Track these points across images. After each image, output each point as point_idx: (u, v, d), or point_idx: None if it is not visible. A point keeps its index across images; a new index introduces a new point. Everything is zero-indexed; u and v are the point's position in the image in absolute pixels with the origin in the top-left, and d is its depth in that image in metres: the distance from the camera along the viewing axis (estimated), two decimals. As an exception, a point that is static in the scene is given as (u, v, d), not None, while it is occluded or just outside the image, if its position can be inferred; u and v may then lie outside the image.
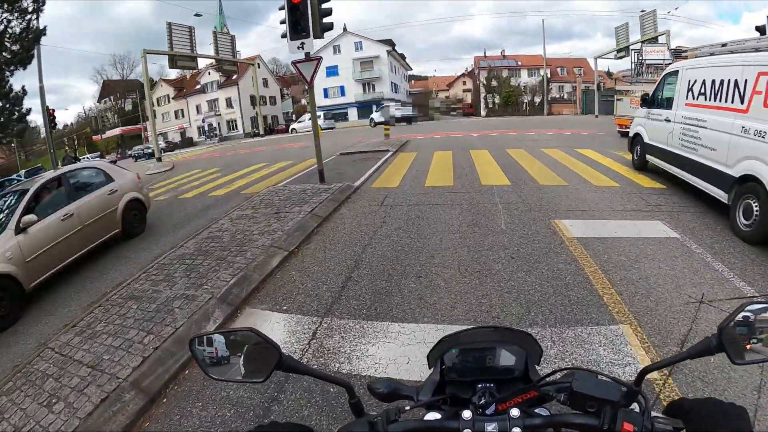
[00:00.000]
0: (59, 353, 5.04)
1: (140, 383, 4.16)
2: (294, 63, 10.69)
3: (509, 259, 5.98)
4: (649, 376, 1.19)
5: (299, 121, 56.06)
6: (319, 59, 10.61)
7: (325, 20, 10.66)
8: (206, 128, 67.81)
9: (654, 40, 37.76)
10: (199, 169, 21.62)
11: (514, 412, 1.03)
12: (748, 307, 1.05)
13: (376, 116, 48.89)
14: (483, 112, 68.99)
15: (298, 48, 10.18)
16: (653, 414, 1.02)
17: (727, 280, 5.40)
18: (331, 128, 50.00)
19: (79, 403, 4.04)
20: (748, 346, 1.06)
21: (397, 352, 4.15)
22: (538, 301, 4.87)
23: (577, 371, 1.07)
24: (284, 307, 5.30)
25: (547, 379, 1.10)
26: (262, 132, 54.91)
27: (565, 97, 69.78)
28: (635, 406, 1.04)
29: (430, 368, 1.27)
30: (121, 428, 3.67)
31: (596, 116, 41.99)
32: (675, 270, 5.59)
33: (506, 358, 1.19)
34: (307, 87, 11.02)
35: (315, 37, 10.20)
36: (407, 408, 1.10)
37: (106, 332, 5.23)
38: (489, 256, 6.11)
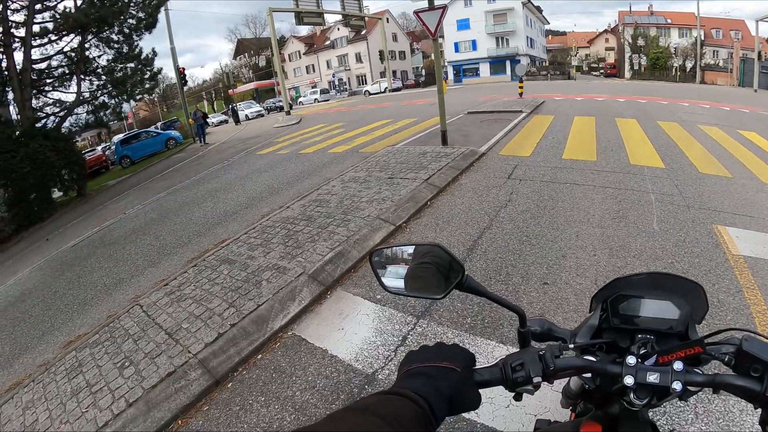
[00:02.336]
0: (146, 313, 5.19)
1: (209, 363, 4.08)
2: (416, 12, 9.76)
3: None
4: None
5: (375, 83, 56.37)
6: (444, 7, 9.58)
7: None
8: (336, 83, 68.83)
9: None
10: (324, 123, 21.51)
11: (678, 365, 0.98)
12: None
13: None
14: (627, 74, 63.21)
15: None
16: None
17: None
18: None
19: (147, 372, 4.11)
20: None
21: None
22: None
23: (747, 332, 1.04)
24: (378, 297, 4.63)
25: (711, 338, 1.06)
26: (390, 88, 54.31)
27: (720, 64, 61.87)
28: None
29: (590, 312, 1.26)
30: (180, 407, 3.66)
31: (755, 90, 37.19)
32: None
33: (671, 311, 1.13)
34: (431, 39, 10.07)
35: None
36: (571, 346, 1.10)
37: (192, 297, 5.22)
38: (635, 267, 4.89)
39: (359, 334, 4.21)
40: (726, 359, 1.04)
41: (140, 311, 5.23)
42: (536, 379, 1.03)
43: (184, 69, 28.77)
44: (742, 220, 6.25)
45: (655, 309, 1.14)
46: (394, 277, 1.17)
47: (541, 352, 1.06)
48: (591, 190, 7.16)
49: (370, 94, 53.83)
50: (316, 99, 55.77)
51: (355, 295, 4.73)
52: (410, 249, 1.18)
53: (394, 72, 62.29)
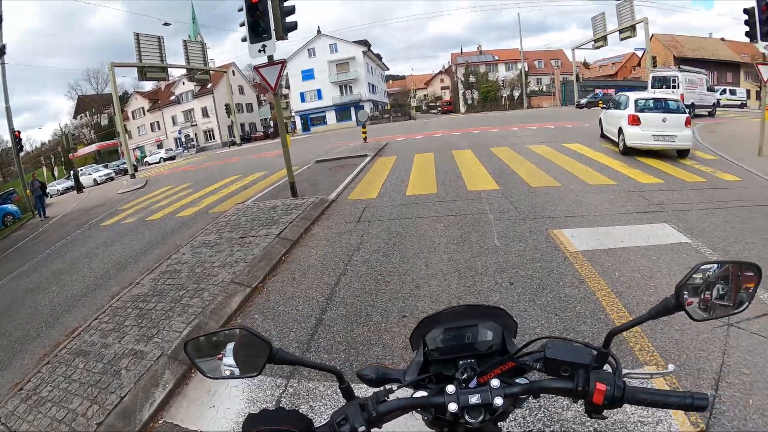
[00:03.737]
0: (5, 425, 4.62)
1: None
2: (256, 68, 9.87)
3: (508, 286, 5.13)
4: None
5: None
6: (283, 63, 9.73)
7: (288, 19, 9.75)
8: (183, 139, 66.16)
9: (631, 28, 38.62)
10: (171, 185, 20.70)
11: (495, 382, 1.09)
12: (702, 267, 1.10)
13: None
14: (462, 109, 68.07)
15: (260, 51, 9.25)
16: (625, 372, 1.12)
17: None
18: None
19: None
20: (704, 304, 1.12)
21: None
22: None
23: (550, 340, 1.15)
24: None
25: (524, 350, 1.18)
26: (239, 141, 53.87)
27: (544, 89, 69.57)
28: (607, 368, 1.12)
29: (413, 351, 1.32)
30: None
31: (578, 107, 42.52)
32: (694, 286, 4.92)
33: (483, 334, 1.24)
34: (272, 93, 10.18)
35: (277, 39, 9.30)
36: (395, 389, 1.18)
37: (51, 399, 4.70)
38: (484, 283, 5.23)
39: (232, 408, 3.95)
40: (538, 366, 1.15)
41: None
42: (361, 429, 1.07)
43: (19, 132, 25.36)
44: (575, 221, 7.07)
45: (470, 335, 1.24)
46: (212, 364, 1.18)
47: (363, 402, 1.11)
48: (435, 221, 7.54)
49: (149, 164, 51.21)
50: (162, 158, 52.89)
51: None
52: (223, 333, 1.20)
53: (242, 125, 61.85)
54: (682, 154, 12.64)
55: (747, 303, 1.14)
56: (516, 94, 65.67)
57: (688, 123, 12.60)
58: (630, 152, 12.73)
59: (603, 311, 4.46)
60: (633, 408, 3.22)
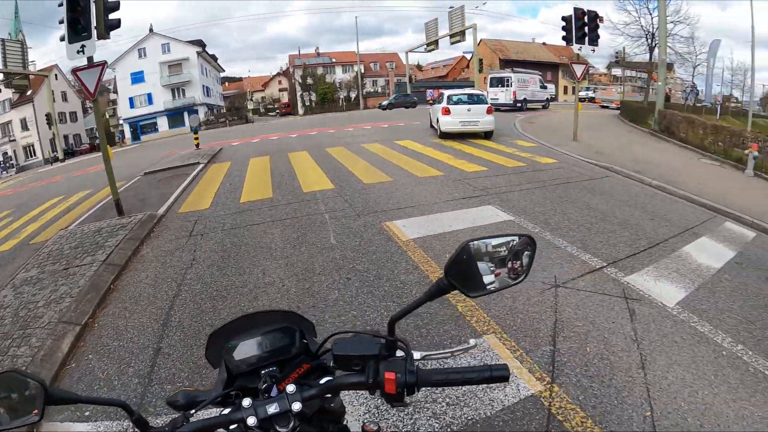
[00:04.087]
0: None
1: None
2: (74, 71, 8.60)
3: (346, 282, 5.15)
4: (534, 389, 2.65)
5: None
6: (104, 64, 8.64)
7: (112, 16, 8.72)
8: (0, 158, 56.56)
9: (461, 33, 41.75)
10: (-13, 215, 18.07)
11: (290, 388, 1.06)
12: (470, 244, 1.10)
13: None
14: (301, 111, 68.08)
15: (78, 52, 8.17)
16: (424, 354, 1.16)
17: (573, 256, 5.70)
18: None
19: None
20: (484, 279, 1.12)
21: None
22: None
23: (337, 335, 1.15)
24: (86, 413, 3.78)
25: (321, 349, 1.18)
26: (61, 156, 47.46)
27: (380, 90, 71.78)
28: (402, 355, 1.11)
29: (215, 369, 1.25)
30: None
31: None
32: (521, 257, 5.39)
33: (280, 339, 1.18)
34: (91, 99, 9.13)
35: (99, 38, 8.33)
36: (193, 412, 1.10)
37: None
38: (323, 283, 5.19)
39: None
40: (331, 365, 1.14)
41: None
42: None
43: None
44: (406, 212, 7.34)
45: (265, 343, 1.17)
46: None
47: (163, 430, 1.05)
48: (270, 226, 7.34)
49: None
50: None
51: (63, 422, 3.73)
52: None
53: (66, 137, 54.87)
54: (487, 135, 16.13)
55: (526, 273, 1.16)
56: (353, 95, 67.07)
57: (489, 111, 15.94)
58: (445, 136, 16.04)
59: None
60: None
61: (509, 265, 1.14)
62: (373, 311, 4.45)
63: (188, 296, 5.40)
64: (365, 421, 1.92)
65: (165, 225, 8.40)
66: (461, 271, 1.09)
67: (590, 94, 49.44)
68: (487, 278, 1.12)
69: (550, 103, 37.88)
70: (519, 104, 31.63)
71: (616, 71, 58.24)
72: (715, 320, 4.22)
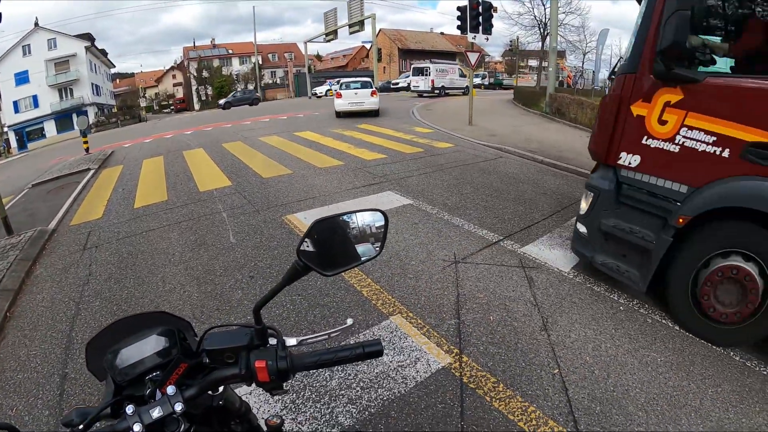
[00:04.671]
0: None
1: None
2: None
3: (249, 281, 5.03)
4: (444, 362, 2.93)
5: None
6: None
7: None
8: None
9: (360, 23, 42.07)
10: None
11: (170, 390, 1.03)
12: (320, 223, 1.12)
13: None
14: (197, 106, 65.47)
15: None
16: (301, 339, 1.15)
17: (471, 233, 5.86)
18: None
19: None
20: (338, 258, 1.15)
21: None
22: (296, 321, 4.11)
23: (209, 331, 1.13)
24: None
25: (200, 347, 1.14)
26: None
27: (278, 81, 70.45)
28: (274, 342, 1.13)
29: (101, 381, 1.20)
30: None
31: (309, 97, 46.09)
32: (420, 237, 5.69)
33: (159, 342, 1.14)
34: None
35: None
36: (80, 428, 1.04)
37: None
38: (225, 284, 5.03)
39: None
40: (207, 360, 1.12)
41: None
42: None
43: None
44: (306, 203, 7.30)
45: (143, 348, 1.13)
46: None
47: None
48: (167, 230, 7.01)
49: None
50: None
51: None
52: None
53: None
54: (373, 113, 20.26)
55: (381, 247, 1.19)
56: (251, 87, 65.29)
57: (373, 94, 20.14)
58: (341, 116, 20.30)
59: (342, 279, 4.68)
60: (392, 356, 3.46)
61: (362, 239, 1.17)
62: (279, 307, 4.35)
63: (88, 314, 5.02)
64: (268, 416, 1.90)
65: (57, 240, 7.77)
66: (315, 251, 1.11)
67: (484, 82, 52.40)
68: (341, 255, 1.15)
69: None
70: (437, 91, 36.17)
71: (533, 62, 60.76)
72: (610, 280, 4.46)
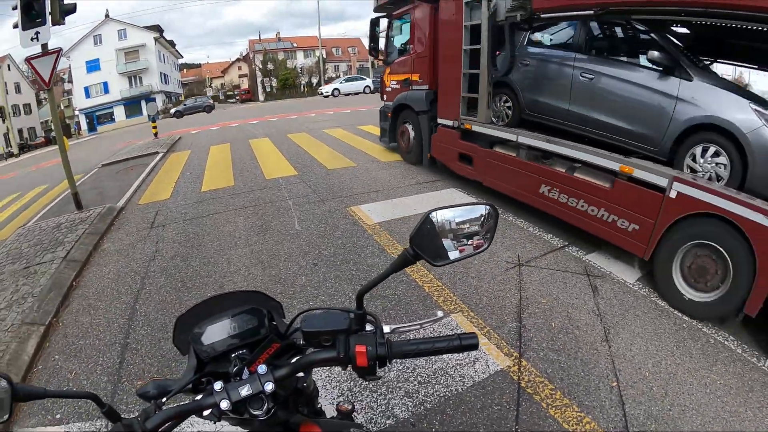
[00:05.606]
0: None
1: None
2: (28, 60, 8.18)
3: (312, 267, 5.13)
4: (503, 365, 2.80)
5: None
6: (59, 51, 8.24)
7: (67, 0, 8.29)
8: None
9: None
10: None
11: (261, 368, 1.04)
12: (433, 214, 1.12)
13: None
14: (261, 97, 66.71)
15: (32, 39, 7.73)
16: (393, 327, 1.15)
17: (536, 236, 5.87)
18: None
19: None
20: (451, 249, 1.14)
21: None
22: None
23: (306, 313, 1.13)
24: (57, 416, 3.61)
25: (292, 327, 1.18)
26: (16, 151, 45.39)
27: (341, 76, 71.00)
28: (371, 328, 1.13)
29: (184, 355, 1.24)
30: None
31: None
32: (485, 238, 5.52)
33: (248, 321, 1.17)
34: (46, 89, 8.70)
35: (54, 23, 7.89)
36: (164, 400, 1.08)
37: None
38: (289, 269, 5.15)
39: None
40: (301, 342, 1.14)
41: None
42: None
43: None
44: (370, 196, 7.37)
45: (233, 325, 1.16)
46: None
47: (129, 422, 1.02)
48: (233, 214, 7.24)
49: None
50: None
51: (34, 427, 3.56)
52: None
53: (20, 130, 52.40)
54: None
55: (489, 241, 1.19)
56: (314, 80, 66.16)
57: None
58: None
59: (406, 274, 4.71)
60: (450, 355, 3.41)
61: (472, 232, 1.16)
62: (341, 295, 4.46)
63: (152, 289, 5.28)
64: (339, 401, 1.94)
65: (125, 217, 8.18)
66: (426, 241, 1.11)
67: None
68: (450, 246, 1.15)
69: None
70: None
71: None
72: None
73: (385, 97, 10.19)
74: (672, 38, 5.43)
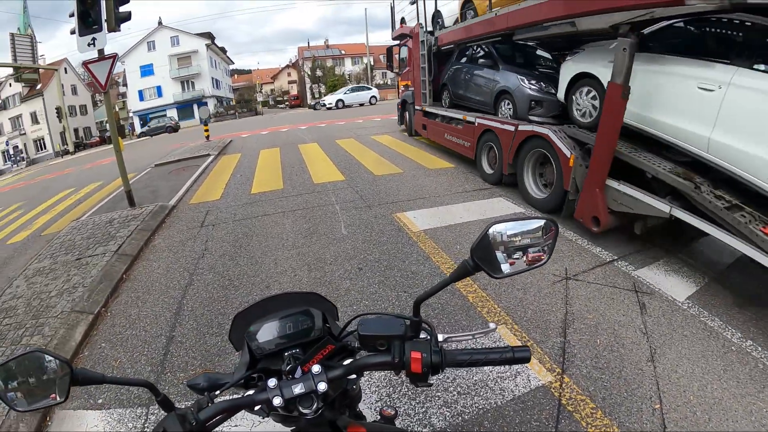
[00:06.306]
0: None
1: None
2: (85, 64, 8.65)
3: (357, 272, 5.19)
4: (545, 380, 2.62)
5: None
6: (114, 57, 8.69)
7: (123, 9, 8.68)
8: (11, 152, 54.37)
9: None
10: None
11: (315, 368, 1.07)
12: (493, 228, 1.13)
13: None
14: (311, 103, 67.80)
15: (89, 45, 8.15)
16: (445, 336, 1.19)
17: (584, 249, 5.71)
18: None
19: None
20: (504, 262, 1.15)
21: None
22: (401, 318, 4.14)
23: (362, 316, 1.18)
24: (99, 401, 3.79)
25: (346, 330, 1.22)
26: (72, 149, 47.23)
27: (389, 83, 71.09)
28: (425, 336, 1.15)
29: (237, 351, 1.28)
30: None
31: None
32: (531, 249, 5.46)
33: (303, 321, 1.22)
34: (102, 92, 9.11)
35: (110, 30, 8.28)
36: (217, 393, 1.12)
37: None
38: (334, 272, 5.24)
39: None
40: (356, 345, 1.17)
41: None
42: None
43: None
44: (416, 203, 7.40)
45: (289, 325, 1.21)
46: (12, 394, 1.06)
47: (183, 412, 1.05)
48: (281, 217, 7.41)
49: None
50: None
51: (76, 410, 3.76)
52: (15, 364, 1.07)
53: (76, 130, 54.74)
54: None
55: (549, 255, 1.19)
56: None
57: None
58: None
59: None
60: (491, 367, 3.39)
61: (532, 247, 1.17)
62: (385, 301, 4.49)
63: (200, 285, 5.44)
64: (383, 406, 1.95)
65: (176, 216, 8.47)
66: (486, 253, 1.12)
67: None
68: (510, 260, 1.15)
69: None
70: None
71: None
72: (725, 315, 4.17)
73: (399, 95, 16.34)
74: (494, 49, 8.93)
